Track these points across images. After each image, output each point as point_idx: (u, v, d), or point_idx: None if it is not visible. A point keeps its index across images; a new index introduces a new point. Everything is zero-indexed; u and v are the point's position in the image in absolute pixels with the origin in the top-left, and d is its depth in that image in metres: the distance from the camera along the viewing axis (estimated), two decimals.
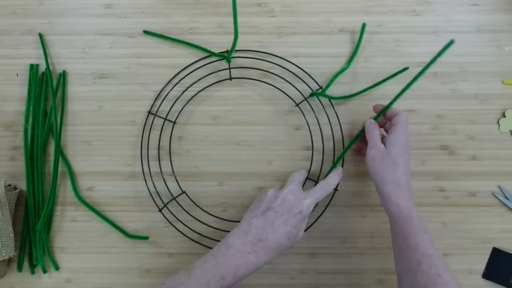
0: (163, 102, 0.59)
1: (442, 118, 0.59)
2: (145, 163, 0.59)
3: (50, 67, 0.60)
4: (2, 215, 0.55)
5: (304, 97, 0.59)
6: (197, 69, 0.59)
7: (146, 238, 0.59)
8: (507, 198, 0.59)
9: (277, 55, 0.59)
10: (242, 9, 0.59)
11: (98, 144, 0.60)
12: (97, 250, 0.60)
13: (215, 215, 0.59)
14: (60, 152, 0.59)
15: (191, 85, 0.59)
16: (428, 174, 0.59)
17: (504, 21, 0.59)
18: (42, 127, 0.59)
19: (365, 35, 0.59)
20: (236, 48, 0.58)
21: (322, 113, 0.59)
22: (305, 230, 0.53)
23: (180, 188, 0.59)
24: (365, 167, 0.59)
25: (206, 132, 0.60)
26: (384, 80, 0.56)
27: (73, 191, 0.59)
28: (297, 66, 0.59)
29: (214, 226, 0.58)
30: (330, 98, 0.58)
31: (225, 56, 0.58)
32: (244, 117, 0.60)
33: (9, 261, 0.59)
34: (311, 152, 0.59)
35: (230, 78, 0.59)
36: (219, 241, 0.50)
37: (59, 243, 0.60)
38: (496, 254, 0.59)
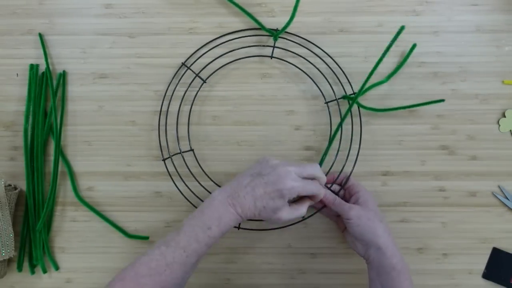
0: (199, 59, 0.59)
1: (442, 118, 0.59)
2: (163, 117, 0.59)
3: (50, 67, 0.60)
4: (2, 215, 0.55)
5: (335, 97, 0.58)
6: (240, 37, 0.59)
7: (146, 238, 0.59)
8: (507, 198, 0.59)
9: (323, 49, 0.59)
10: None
11: (98, 144, 0.60)
12: (97, 250, 0.60)
13: None
14: (60, 152, 0.59)
15: (232, 50, 0.59)
16: (428, 174, 0.59)
17: (504, 21, 0.59)
18: (42, 127, 0.59)
19: (365, 35, 0.59)
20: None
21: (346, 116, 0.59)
22: (304, 219, 0.55)
23: (190, 146, 0.59)
24: (365, 167, 0.59)
25: (206, 132, 0.60)
26: (422, 104, 0.58)
27: (73, 191, 0.59)
28: (337, 65, 0.59)
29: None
30: (362, 107, 0.58)
31: (274, 33, 0.58)
32: (244, 117, 0.60)
33: (9, 261, 0.59)
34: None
35: (271, 56, 0.59)
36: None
37: (59, 243, 0.60)
38: (496, 254, 0.59)
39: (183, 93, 0.59)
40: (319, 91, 0.59)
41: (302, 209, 0.50)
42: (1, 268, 0.57)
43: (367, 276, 0.51)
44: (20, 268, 0.59)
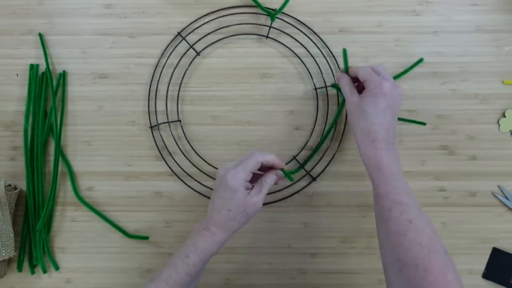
0: (194, 31, 0.59)
1: (442, 118, 0.59)
2: (154, 85, 0.60)
3: (50, 67, 0.60)
4: (2, 215, 0.55)
5: (325, 84, 0.59)
6: (237, 13, 0.59)
7: (146, 238, 0.59)
8: (507, 198, 0.59)
9: (319, 35, 0.59)
10: (241, 9, 0.60)
11: (98, 144, 0.60)
12: (97, 250, 0.60)
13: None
14: (60, 152, 0.59)
15: (228, 26, 0.59)
16: (428, 174, 0.59)
17: (504, 21, 0.59)
18: (42, 127, 0.59)
19: (365, 35, 0.59)
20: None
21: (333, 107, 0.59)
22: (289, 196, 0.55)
23: (178, 117, 0.59)
24: (363, 167, 0.59)
25: (206, 132, 0.60)
26: (404, 120, 0.58)
27: (73, 191, 0.59)
28: (331, 53, 0.59)
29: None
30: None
31: (271, 13, 0.58)
32: (244, 117, 0.60)
33: (9, 261, 0.59)
34: (311, 152, 0.59)
35: (267, 36, 0.59)
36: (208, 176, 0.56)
37: (59, 243, 0.60)
38: (496, 254, 0.59)
39: (176, 64, 0.59)
40: (296, 74, 0.59)
41: (266, 180, 0.49)
42: (1, 268, 0.57)
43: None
44: (20, 268, 0.59)
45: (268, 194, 0.58)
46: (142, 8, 0.60)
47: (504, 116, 0.59)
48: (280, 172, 0.51)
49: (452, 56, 0.59)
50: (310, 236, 0.60)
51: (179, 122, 0.59)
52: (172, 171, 0.59)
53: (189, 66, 0.59)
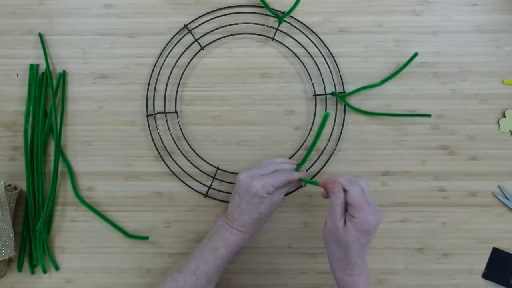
0: (199, 26, 0.60)
1: (442, 118, 0.59)
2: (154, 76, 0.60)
3: (50, 67, 0.60)
4: (2, 215, 0.55)
5: (325, 91, 0.59)
6: (245, 12, 0.60)
7: (146, 238, 0.59)
8: (507, 198, 0.59)
9: (325, 43, 0.60)
10: (242, 8, 0.60)
11: (98, 144, 0.60)
12: (97, 250, 0.60)
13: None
14: (60, 152, 0.59)
15: (232, 24, 0.59)
16: (428, 174, 0.59)
17: (504, 21, 0.59)
18: (42, 127, 0.59)
19: (365, 35, 0.60)
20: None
21: (332, 110, 0.59)
22: (290, 193, 0.58)
23: (175, 108, 0.59)
24: (365, 167, 0.59)
25: (206, 132, 0.60)
26: (409, 115, 0.59)
27: (73, 191, 0.59)
28: (335, 62, 0.59)
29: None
30: (349, 106, 0.58)
31: (279, 16, 0.58)
32: (244, 117, 0.60)
33: (9, 261, 0.59)
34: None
35: (273, 38, 0.59)
36: (208, 175, 0.52)
37: (59, 243, 0.60)
38: (496, 254, 0.59)
39: (177, 57, 0.59)
40: (298, 77, 0.59)
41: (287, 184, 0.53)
42: (1, 268, 0.57)
43: (369, 273, 0.51)
44: (20, 268, 0.59)
45: None
46: (142, 8, 0.60)
47: (504, 116, 0.59)
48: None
49: (452, 56, 0.59)
50: (310, 236, 0.60)
51: (175, 114, 0.59)
52: (172, 171, 0.59)
53: (192, 59, 0.59)
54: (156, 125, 0.59)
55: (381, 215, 0.47)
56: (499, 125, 0.59)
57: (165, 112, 0.59)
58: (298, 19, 0.59)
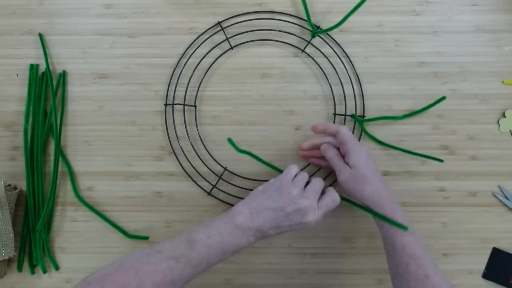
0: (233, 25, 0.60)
1: (442, 118, 0.59)
2: (178, 70, 0.59)
3: (50, 67, 0.60)
4: (2, 215, 0.55)
5: (345, 112, 0.58)
6: (279, 20, 0.60)
7: (146, 238, 0.59)
8: (507, 198, 0.59)
9: (353, 64, 0.60)
10: (242, 8, 0.60)
11: (98, 144, 0.60)
12: (97, 250, 0.60)
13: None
14: (60, 152, 0.59)
15: (268, 30, 0.59)
16: (428, 174, 0.59)
17: (504, 21, 0.59)
18: (42, 127, 0.59)
19: (365, 35, 0.59)
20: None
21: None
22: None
23: (194, 103, 0.59)
24: None
25: (206, 132, 0.60)
26: (420, 111, 0.59)
27: (73, 191, 0.59)
28: (360, 85, 0.59)
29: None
30: (366, 133, 0.59)
31: (315, 30, 0.58)
32: (244, 117, 0.60)
33: (9, 261, 0.59)
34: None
35: (303, 50, 0.59)
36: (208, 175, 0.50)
37: (59, 243, 0.60)
38: (496, 254, 0.59)
39: (206, 51, 0.59)
40: (321, 92, 0.59)
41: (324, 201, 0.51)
42: (1, 268, 0.57)
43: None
44: (20, 268, 0.59)
45: None
46: (142, 8, 0.60)
47: (504, 116, 0.59)
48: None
49: (452, 56, 0.59)
50: (310, 236, 0.60)
51: (194, 108, 0.59)
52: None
53: (219, 57, 0.59)
54: (173, 115, 0.59)
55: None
56: (499, 125, 0.59)
57: (184, 104, 0.59)
58: (297, 16, 0.59)
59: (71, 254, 0.60)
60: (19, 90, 0.60)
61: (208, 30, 0.59)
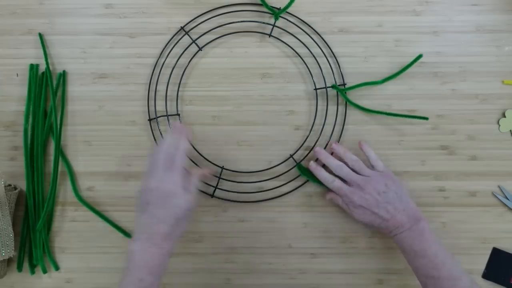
0: (197, 26, 0.60)
1: (442, 118, 0.59)
2: (154, 80, 0.59)
3: (50, 67, 0.60)
4: (2, 215, 0.55)
5: (325, 85, 0.59)
6: (240, 11, 0.60)
7: None
8: (507, 198, 0.59)
9: (322, 36, 0.60)
10: (239, 7, 0.60)
11: (98, 144, 0.60)
12: (97, 250, 0.60)
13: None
14: (60, 152, 0.59)
15: (230, 23, 0.59)
16: (428, 174, 0.59)
17: (504, 21, 0.59)
18: (42, 127, 0.59)
19: (365, 35, 0.60)
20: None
21: (333, 108, 0.59)
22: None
23: (177, 110, 0.59)
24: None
25: (206, 132, 0.60)
26: (405, 116, 0.59)
27: (73, 191, 0.59)
28: (333, 55, 0.59)
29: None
30: (349, 101, 0.58)
31: (275, 12, 0.58)
32: (244, 117, 0.60)
33: (9, 261, 0.59)
34: (308, 151, 0.59)
35: (270, 35, 0.59)
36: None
37: (59, 243, 0.60)
38: (496, 254, 0.59)
39: (177, 58, 0.59)
40: (297, 72, 0.59)
41: (192, 180, 0.50)
42: (1, 268, 0.57)
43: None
44: (20, 268, 0.59)
45: (267, 191, 0.58)
46: (142, 8, 0.60)
47: (504, 116, 0.59)
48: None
49: (452, 56, 0.59)
50: (310, 236, 0.60)
51: (177, 116, 0.59)
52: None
53: (190, 60, 0.59)
54: (159, 128, 0.59)
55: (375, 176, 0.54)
56: (499, 125, 0.59)
57: (167, 115, 0.59)
58: (296, 15, 0.59)
59: (71, 254, 0.60)
60: (19, 90, 0.60)
61: (175, 36, 0.60)
